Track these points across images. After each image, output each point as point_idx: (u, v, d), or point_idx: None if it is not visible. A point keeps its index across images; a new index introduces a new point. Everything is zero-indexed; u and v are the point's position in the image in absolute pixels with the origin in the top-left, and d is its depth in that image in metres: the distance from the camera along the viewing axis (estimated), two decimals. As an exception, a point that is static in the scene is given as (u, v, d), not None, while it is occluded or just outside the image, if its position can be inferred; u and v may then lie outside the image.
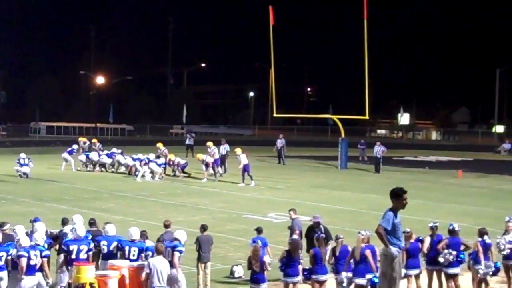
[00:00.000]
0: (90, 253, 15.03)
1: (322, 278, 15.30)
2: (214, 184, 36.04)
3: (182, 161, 38.89)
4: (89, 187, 34.06)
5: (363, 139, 54.67)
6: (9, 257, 14.23)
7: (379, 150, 43.67)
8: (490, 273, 15.98)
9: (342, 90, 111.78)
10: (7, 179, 36.13)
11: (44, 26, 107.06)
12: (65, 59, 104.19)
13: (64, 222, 16.25)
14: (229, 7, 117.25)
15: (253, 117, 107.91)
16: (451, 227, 16.32)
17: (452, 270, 16.05)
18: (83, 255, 14.88)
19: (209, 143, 39.16)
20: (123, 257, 14.97)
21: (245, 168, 36.19)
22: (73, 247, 14.89)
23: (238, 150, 36.96)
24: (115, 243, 15.25)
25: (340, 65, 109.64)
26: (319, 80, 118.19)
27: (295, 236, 16.32)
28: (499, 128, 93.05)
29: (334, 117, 51.92)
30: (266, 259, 15.12)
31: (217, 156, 38.17)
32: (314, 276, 15.29)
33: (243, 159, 36.18)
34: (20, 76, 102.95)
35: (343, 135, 46.51)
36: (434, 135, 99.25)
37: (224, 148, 40.82)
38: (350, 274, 14.98)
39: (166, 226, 16.45)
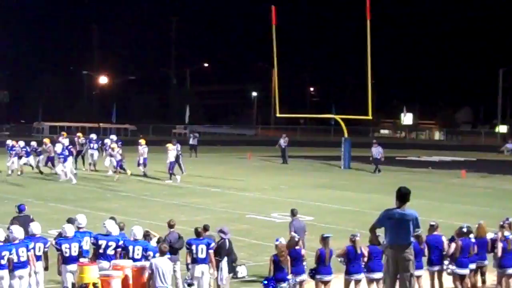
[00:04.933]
0: (119, 250, 15.20)
1: (326, 278, 15.32)
2: (216, 184, 36.00)
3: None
4: (92, 187, 34.06)
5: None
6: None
7: (378, 150, 43.59)
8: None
9: (345, 90, 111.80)
10: (9, 179, 36.09)
11: (47, 25, 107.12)
12: (68, 59, 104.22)
13: (70, 221, 16.26)
14: (231, 6, 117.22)
15: (256, 117, 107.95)
16: (464, 229, 16.35)
17: (460, 271, 16.08)
18: (110, 251, 15.16)
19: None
20: (126, 257, 15.02)
21: (170, 164, 36.36)
22: (102, 242, 15.18)
23: (169, 146, 37.08)
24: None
25: (343, 65, 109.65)
26: (322, 80, 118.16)
27: (293, 235, 16.26)
28: (502, 128, 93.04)
29: (337, 117, 51.84)
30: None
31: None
32: (318, 276, 15.31)
33: (171, 155, 36.32)
34: (22, 76, 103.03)
35: (346, 135, 46.49)
36: (437, 135, 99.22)
37: (177, 148, 40.38)
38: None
39: (171, 226, 16.43)
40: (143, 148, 38.30)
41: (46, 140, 38.68)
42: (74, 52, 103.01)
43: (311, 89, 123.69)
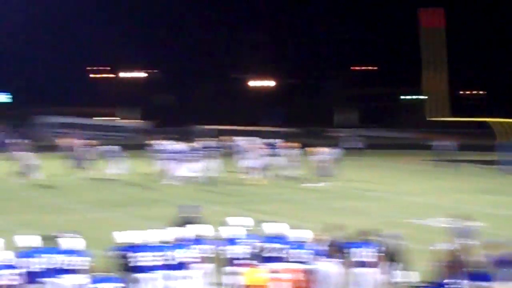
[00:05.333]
0: (286, 252, 15.32)
1: (491, 285, 14.99)
2: (373, 188, 35.84)
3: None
4: (254, 189, 34.51)
5: None
6: None
7: None
8: None
9: (504, 93, 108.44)
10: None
11: (210, 28, 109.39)
12: (228, 62, 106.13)
13: (231, 224, 16.58)
14: (384, 8, 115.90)
15: (412, 120, 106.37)
16: None
17: None
18: (276, 253, 15.27)
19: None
20: (292, 260, 15.11)
21: (319, 167, 36.53)
22: (267, 245, 15.41)
23: (317, 149, 37.31)
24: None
25: (499, 67, 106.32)
26: (479, 82, 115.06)
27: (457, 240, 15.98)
28: None
29: (496, 120, 50.36)
30: None
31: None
32: (483, 283, 15.00)
33: (319, 158, 36.24)
34: (185, 79, 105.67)
35: (507, 139, 45.05)
36: None
37: (329, 152, 40.03)
38: None
39: (334, 229, 16.49)
40: (290, 151, 38.54)
41: (194, 144, 39.18)
42: (232, 55, 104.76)
43: (469, 91, 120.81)
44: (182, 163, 37.57)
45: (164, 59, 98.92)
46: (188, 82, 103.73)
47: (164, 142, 39.16)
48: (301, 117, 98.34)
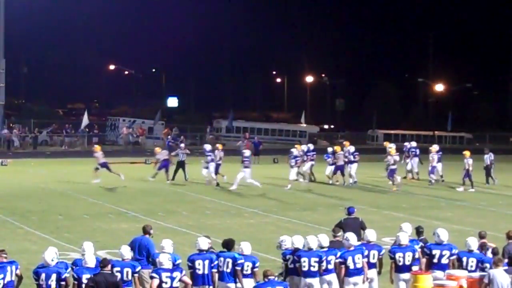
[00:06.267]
0: (452, 258, 14.94)
1: None
2: None
3: None
4: (426, 195, 33.54)
5: None
6: None
7: None
8: None
9: None
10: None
11: (382, 34, 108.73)
12: (404, 66, 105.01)
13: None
14: None
15: None
16: None
17: None
18: (444, 260, 14.94)
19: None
20: (461, 267, 14.59)
21: (466, 172, 34.71)
22: (436, 252, 14.97)
23: (467, 153, 35.17)
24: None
25: None
26: None
27: None
28: None
29: None
30: None
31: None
32: None
33: (468, 163, 34.59)
34: (358, 84, 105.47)
35: None
36: None
37: (488, 157, 37.47)
38: None
39: (510, 237, 15.66)
40: (432, 156, 37.09)
41: (338, 148, 37.43)
42: (409, 59, 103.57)
43: None
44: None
45: None
46: (361, 85, 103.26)
47: None
48: (488, 121, 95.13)
